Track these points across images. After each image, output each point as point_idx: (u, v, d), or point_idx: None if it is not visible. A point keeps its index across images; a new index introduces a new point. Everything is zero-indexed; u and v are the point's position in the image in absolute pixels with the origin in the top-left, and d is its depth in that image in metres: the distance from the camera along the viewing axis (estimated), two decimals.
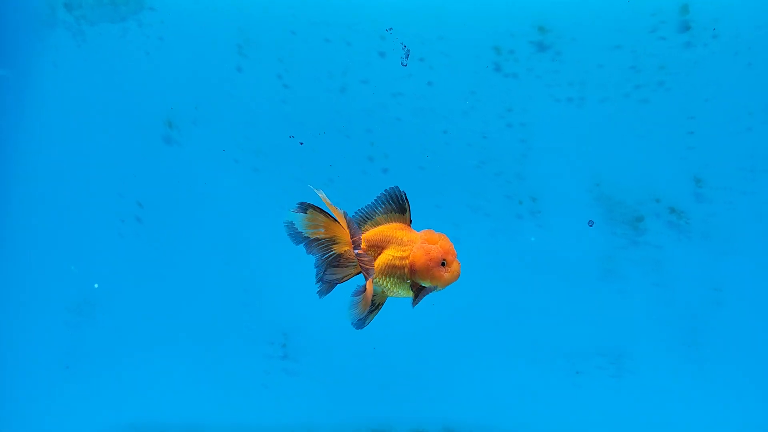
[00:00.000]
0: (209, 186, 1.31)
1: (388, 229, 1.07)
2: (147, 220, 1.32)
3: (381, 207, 1.06)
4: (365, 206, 1.06)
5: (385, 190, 1.06)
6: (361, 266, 0.99)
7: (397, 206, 1.06)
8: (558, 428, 1.30)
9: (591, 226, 1.30)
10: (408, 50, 1.31)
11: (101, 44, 1.30)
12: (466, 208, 1.31)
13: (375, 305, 1.08)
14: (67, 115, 1.31)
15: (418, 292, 1.00)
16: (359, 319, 1.05)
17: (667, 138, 1.28)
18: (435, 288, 1.01)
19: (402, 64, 1.31)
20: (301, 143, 1.31)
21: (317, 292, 1.01)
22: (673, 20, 1.27)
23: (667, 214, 1.28)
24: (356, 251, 0.99)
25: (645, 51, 1.27)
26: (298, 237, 1.01)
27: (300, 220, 0.99)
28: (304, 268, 1.29)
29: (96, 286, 1.31)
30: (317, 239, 1.01)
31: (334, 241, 1.02)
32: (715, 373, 1.27)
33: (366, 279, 0.99)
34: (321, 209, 0.98)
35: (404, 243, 1.04)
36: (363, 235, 1.06)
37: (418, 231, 1.04)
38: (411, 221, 1.09)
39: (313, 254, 1.02)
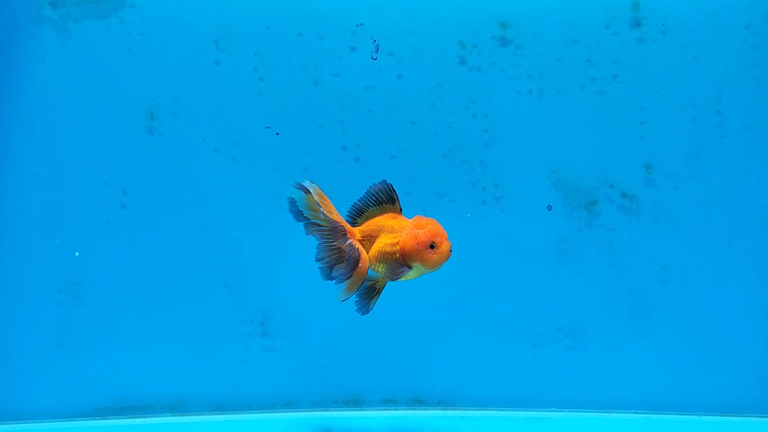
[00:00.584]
0: (190, 174, 1.34)
1: (381, 219, 1.13)
2: (132, 206, 1.34)
3: (372, 201, 1.13)
4: (357, 200, 1.14)
5: (373, 186, 1.13)
6: (347, 253, 1.06)
7: (387, 197, 1.13)
8: (518, 396, 1.37)
9: (549, 210, 1.37)
10: (377, 45, 1.35)
11: (85, 40, 1.31)
12: (434, 194, 1.36)
13: (376, 290, 1.15)
14: (54, 107, 1.32)
15: (397, 271, 1.07)
16: (363, 305, 1.13)
17: (619, 127, 1.34)
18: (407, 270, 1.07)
19: (372, 58, 1.36)
20: (277, 133, 1.35)
21: (338, 294, 1.08)
22: (625, 17, 1.33)
23: (619, 198, 1.35)
24: (344, 242, 1.06)
25: (599, 46, 1.34)
26: (299, 215, 1.08)
27: (300, 199, 1.06)
28: (281, 251, 1.35)
29: (77, 254, 1.32)
30: (317, 224, 1.08)
31: (340, 231, 1.08)
32: (660, 343, 1.35)
33: (352, 265, 1.05)
34: (319, 197, 1.06)
35: (395, 230, 1.11)
36: (358, 227, 1.13)
37: (409, 219, 1.11)
38: (401, 210, 1.15)
39: (313, 236, 1.08)
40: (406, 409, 1.37)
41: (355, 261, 1.07)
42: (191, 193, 1.34)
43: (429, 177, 1.37)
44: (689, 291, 1.35)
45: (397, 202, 1.13)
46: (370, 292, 1.12)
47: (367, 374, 1.37)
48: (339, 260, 1.07)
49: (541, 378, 1.37)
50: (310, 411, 1.36)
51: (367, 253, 1.10)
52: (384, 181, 1.13)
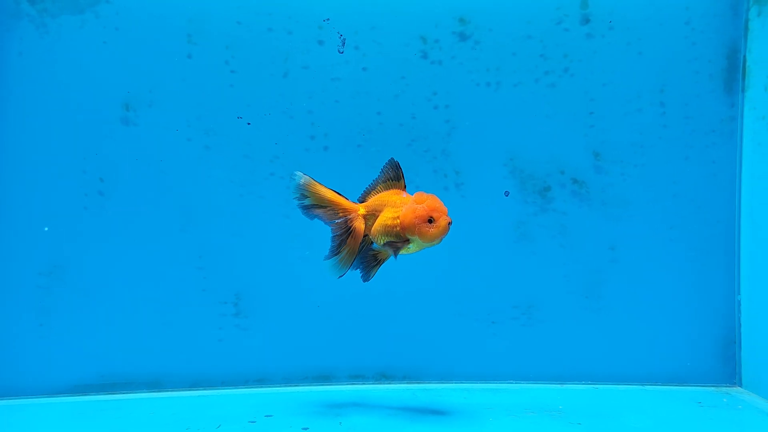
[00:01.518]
0: (164, 162, 1.37)
1: (385, 195, 1.19)
2: (109, 193, 1.37)
3: (381, 177, 1.20)
4: (372, 181, 1.21)
5: (385, 163, 1.19)
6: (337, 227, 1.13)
7: (393, 174, 1.19)
8: (478, 370, 1.44)
9: (507, 195, 1.44)
10: (344, 39, 1.41)
11: (62, 34, 1.34)
12: None
13: (377, 261, 1.20)
14: (32, 99, 1.34)
15: (396, 245, 1.13)
16: (365, 272, 1.19)
17: (570, 118, 1.42)
18: (407, 244, 1.13)
19: (339, 51, 1.41)
20: (249, 123, 1.39)
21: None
22: (575, 14, 1.41)
23: (570, 184, 1.43)
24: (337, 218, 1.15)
25: (552, 41, 1.41)
26: (307, 208, 1.16)
27: (301, 189, 1.15)
28: (253, 235, 1.41)
29: (46, 229, 1.34)
30: (321, 207, 1.16)
31: (335, 211, 1.17)
32: (610, 319, 1.44)
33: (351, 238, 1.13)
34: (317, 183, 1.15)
35: (397, 205, 1.16)
36: (364, 203, 1.20)
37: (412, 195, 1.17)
38: (405, 186, 1.20)
39: (322, 220, 1.17)
40: (373, 384, 1.44)
41: (344, 235, 1.14)
42: (166, 181, 1.38)
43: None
44: (635, 270, 1.43)
45: (402, 179, 1.18)
46: (371, 261, 1.18)
47: (336, 351, 1.43)
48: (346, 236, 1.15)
49: (499, 353, 1.44)
50: (281, 386, 1.42)
51: (372, 227, 1.16)
52: (391, 159, 1.18)
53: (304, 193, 1.16)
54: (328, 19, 1.39)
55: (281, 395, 1.38)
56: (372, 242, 1.18)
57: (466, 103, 1.42)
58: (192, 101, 1.38)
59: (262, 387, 1.41)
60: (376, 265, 1.19)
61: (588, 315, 1.44)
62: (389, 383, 1.44)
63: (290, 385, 1.42)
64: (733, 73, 1.40)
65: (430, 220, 1.11)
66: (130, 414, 1.26)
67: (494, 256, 1.44)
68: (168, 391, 1.39)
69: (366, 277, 1.18)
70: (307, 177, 1.15)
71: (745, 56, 1.39)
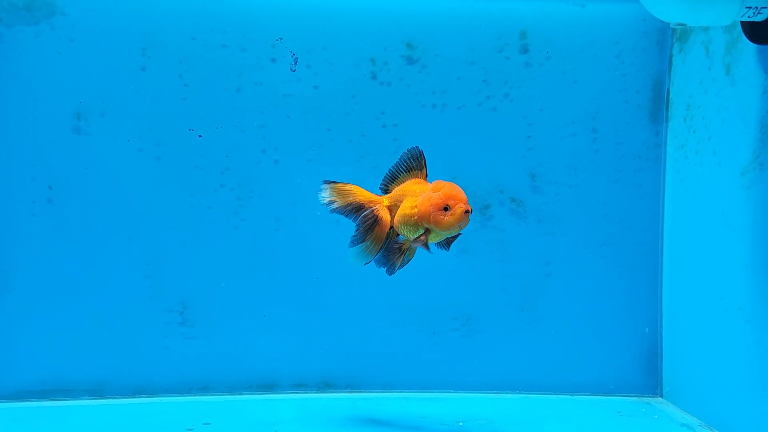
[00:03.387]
0: (115, 171, 1.40)
1: (407, 184, 1.16)
2: (57, 201, 1.39)
3: (403, 166, 1.18)
4: (391, 166, 1.19)
5: (406, 150, 1.17)
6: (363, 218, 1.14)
7: (416, 163, 1.16)
8: (418, 379, 1.50)
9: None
10: (296, 58, 1.46)
11: (16, 44, 1.36)
12: None
13: (401, 251, 1.17)
14: None
15: (419, 239, 1.11)
16: (390, 266, 1.17)
17: (510, 140, 1.50)
18: (435, 233, 1.10)
19: (291, 69, 1.46)
20: (200, 136, 1.43)
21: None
22: (515, 43, 1.50)
23: (509, 202, 1.51)
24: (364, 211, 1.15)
25: (493, 68, 1.50)
26: (339, 213, 1.17)
27: (328, 193, 1.16)
28: (201, 245, 1.44)
29: None
30: (349, 204, 1.17)
31: (361, 205, 1.17)
32: (544, 331, 1.52)
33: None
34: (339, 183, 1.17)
35: (416, 194, 1.13)
36: (388, 194, 1.18)
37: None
38: (427, 176, 1.17)
39: (349, 218, 1.17)
40: (316, 392, 1.47)
41: (370, 225, 1.14)
42: (116, 190, 1.40)
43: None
44: (568, 285, 1.52)
45: (423, 169, 1.16)
46: (394, 253, 1.17)
47: (280, 360, 1.46)
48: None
49: (439, 363, 1.50)
50: (225, 395, 1.44)
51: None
52: (416, 147, 1.16)
53: (331, 199, 1.17)
54: (281, 39, 1.45)
55: (225, 403, 1.40)
56: (397, 234, 1.18)
57: (413, 123, 1.49)
58: (144, 113, 1.41)
59: (206, 395, 1.44)
60: (400, 255, 1.18)
61: (523, 327, 1.51)
62: (332, 392, 1.48)
63: (234, 394, 1.45)
64: (658, 103, 1.51)
65: (446, 209, 1.08)
66: (70, 420, 1.27)
67: (436, 268, 1.49)
68: (110, 398, 1.40)
69: (391, 271, 1.17)
70: (329, 184, 1.16)
71: (668, 89, 1.50)
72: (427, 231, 1.11)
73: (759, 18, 1.09)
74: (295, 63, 1.46)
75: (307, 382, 1.48)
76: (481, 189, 1.50)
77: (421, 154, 1.14)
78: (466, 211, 1.08)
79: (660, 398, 1.51)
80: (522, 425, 1.31)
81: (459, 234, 1.14)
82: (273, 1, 1.44)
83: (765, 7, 1.07)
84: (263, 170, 1.45)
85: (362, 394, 1.48)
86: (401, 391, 1.49)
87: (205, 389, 1.44)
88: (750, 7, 1.07)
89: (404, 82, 1.48)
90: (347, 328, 1.48)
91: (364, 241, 1.15)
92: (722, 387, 1.28)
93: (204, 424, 1.26)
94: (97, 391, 1.39)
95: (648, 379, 1.52)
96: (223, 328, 1.44)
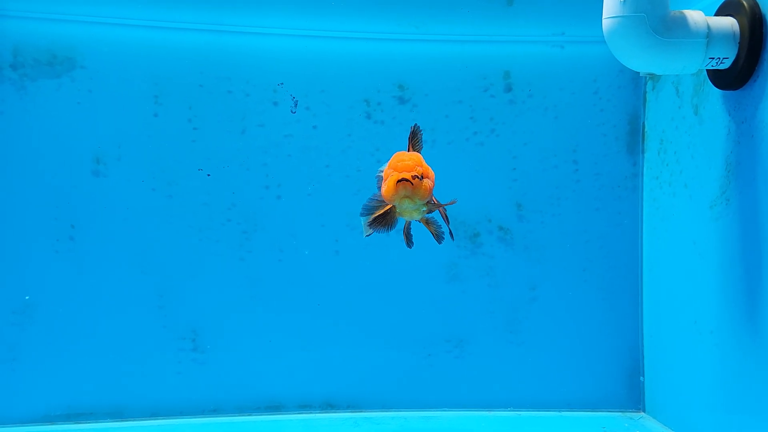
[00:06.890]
0: (131, 210, 1.50)
1: (391, 160, 1.03)
2: (79, 239, 1.49)
3: (407, 144, 1.09)
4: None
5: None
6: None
7: (411, 139, 1.08)
8: (415, 398, 1.59)
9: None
10: (296, 101, 1.56)
11: (40, 96, 1.46)
12: (345, 227, 1.57)
13: (387, 220, 1.07)
14: (11, 153, 1.45)
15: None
16: (407, 239, 1.14)
17: (496, 172, 1.60)
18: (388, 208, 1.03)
19: (291, 111, 1.56)
20: (208, 175, 1.53)
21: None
22: (499, 83, 1.59)
23: (497, 231, 1.60)
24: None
25: (479, 105, 1.59)
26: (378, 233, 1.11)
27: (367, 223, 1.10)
28: (210, 276, 1.54)
29: (27, 297, 1.46)
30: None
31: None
32: (531, 351, 1.60)
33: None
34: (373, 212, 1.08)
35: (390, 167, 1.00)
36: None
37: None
38: (410, 149, 1.08)
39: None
40: (319, 413, 1.57)
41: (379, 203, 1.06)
42: (131, 227, 1.50)
43: (341, 212, 1.56)
44: (552, 307, 1.61)
45: (409, 144, 1.07)
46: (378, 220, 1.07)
47: (285, 383, 1.56)
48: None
49: (434, 382, 1.59)
50: (235, 416, 1.54)
51: None
52: (415, 124, 1.09)
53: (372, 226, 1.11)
54: (282, 83, 1.55)
55: (233, 424, 1.50)
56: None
57: None
58: (157, 155, 1.51)
59: (216, 416, 1.53)
60: (408, 233, 1.16)
61: (512, 348, 1.61)
62: (334, 412, 1.57)
63: (243, 415, 1.54)
64: (634, 136, 1.60)
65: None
66: None
67: (429, 294, 1.59)
68: (129, 420, 1.49)
69: (409, 244, 1.15)
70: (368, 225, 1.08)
71: (644, 123, 1.60)
72: (393, 207, 1.03)
73: (722, 66, 1.18)
74: (295, 105, 1.56)
75: (311, 403, 1.57)
76: (471, 218, 1.60)
77: (416, 130, 1.06)
78: (400, 180, 0.95)
79: (642, 413, 1.60)
80: None
81: (444, 219, 1.08)
82: (274, 48, 1.54)
83: (727, 58, 1.16)
84: (267, 205, 1.55)
85: (363, 413, 1.57)
86: (400, 410, 1.58)
87: (216, 411, 1.54)
88: (713, 58, 1.16)
89: (396, 120, 1.57)
90: (348, 352, 1.57)
91: (371, 215, 1.09)
92: (697, 403, 1.36)
93: None
94: (117, 413, 1.49)
95: (631, 394, 1.61)
96: (232, 354, 1.54)
